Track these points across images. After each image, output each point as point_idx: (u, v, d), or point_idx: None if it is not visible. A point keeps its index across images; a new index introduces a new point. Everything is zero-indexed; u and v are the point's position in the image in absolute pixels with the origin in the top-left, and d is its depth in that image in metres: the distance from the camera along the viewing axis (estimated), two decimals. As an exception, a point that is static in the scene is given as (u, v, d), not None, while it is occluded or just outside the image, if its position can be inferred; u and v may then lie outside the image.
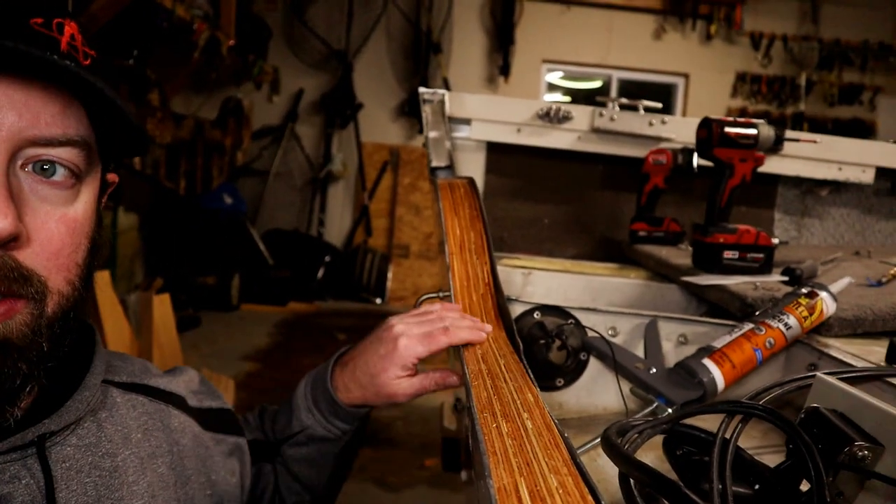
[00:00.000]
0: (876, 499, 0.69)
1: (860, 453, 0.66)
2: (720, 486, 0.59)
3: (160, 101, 3.94)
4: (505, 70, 6.52)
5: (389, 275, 6.57)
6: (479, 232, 1.04)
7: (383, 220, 6.66)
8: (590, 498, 0.44)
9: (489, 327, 0.86)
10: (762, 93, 6.93)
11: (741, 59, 6.87)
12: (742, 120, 1.33)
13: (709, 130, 1.33)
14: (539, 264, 1.61)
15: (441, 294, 1.38)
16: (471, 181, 1.19)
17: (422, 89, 1.81)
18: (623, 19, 6.72)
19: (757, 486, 0.66)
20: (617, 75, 6.89)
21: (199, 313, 5.36)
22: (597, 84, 7.08)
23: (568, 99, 7.14)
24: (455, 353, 0.85)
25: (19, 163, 0.56)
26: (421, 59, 6.43)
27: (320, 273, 6.09)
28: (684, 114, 6.84)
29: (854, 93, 6.95)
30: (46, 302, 0.57)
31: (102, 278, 2.62)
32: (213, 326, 5.31)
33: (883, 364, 0.91)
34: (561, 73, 7.02)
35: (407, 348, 0.84)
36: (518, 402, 0.61)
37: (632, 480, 0.61)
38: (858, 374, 0.86)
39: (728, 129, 1.32)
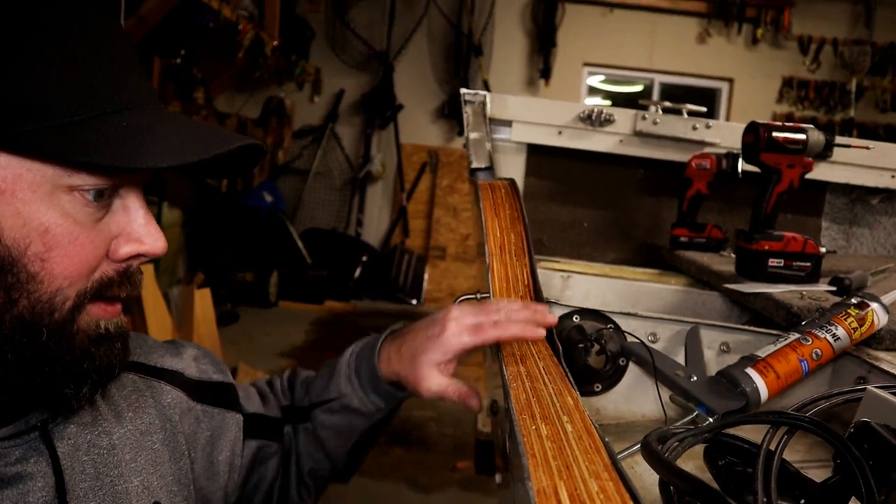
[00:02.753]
0: (928, 518, 0.66)
1: (913, 470, 0.64)
2: (765, 499, 0.57)
3: (205, 99, 4.02)
4: (545, 73, 6.49)
5: (426, 276, 6.59)
6: (520, 234, 1.03)
7: (421, 222, 6.68)
8: (630, 502, 0.43)
9: (553, 319, 0.83)
10: (809, 98, 6.77)
11: (788, 64, 6.72)
12: (791, 125, 1.30)
13: (756, 135, 1.30)
14: (578, 268, 1.59)
15: (479, 295, 1.38)
16: (512, 182, 1.19)
17: (463, 90, 1.80)
18: (666, 22, 6.63)
19: (802, 501, 0.64)
20: (659, 79, 6.80)
21: (238, 309, 5.45)
22: (638, 88, 7.00)
23: (608, 103, 7.08)
24: (493, 353, 0.84)
25: None
26: (461, 61, 6.44)
27: (357, 272, 6.13)
28: (728, 119, 6.73)
29: (906, 98, 6.75)
30: None
31: (146, 272, 2.69)
32: (251, 322, 5.39)
33: (936, 379, 0.88)
34: (602, 77, 6.96)
35: (454, 335, 0.82)
36: (558, 405, 0.60)
37: (672, 488, 0.60)
38: (911, 388, 0.83)
39: (776, 134, 1.29)
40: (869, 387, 0.77)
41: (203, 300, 2.88)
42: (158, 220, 0.74)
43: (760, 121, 1.31)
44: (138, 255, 0.64)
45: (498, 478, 1.20)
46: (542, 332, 0.81)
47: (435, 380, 0.84)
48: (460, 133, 6.76)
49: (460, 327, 0.83)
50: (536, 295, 0.96)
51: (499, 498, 1.19)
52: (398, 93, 6.50)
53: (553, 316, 0.83)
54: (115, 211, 0.63)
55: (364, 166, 6.58)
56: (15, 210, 0.56)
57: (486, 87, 6.27)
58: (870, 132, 6.68)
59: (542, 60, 6.50)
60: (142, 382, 0.79)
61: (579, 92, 6.74)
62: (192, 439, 0.82)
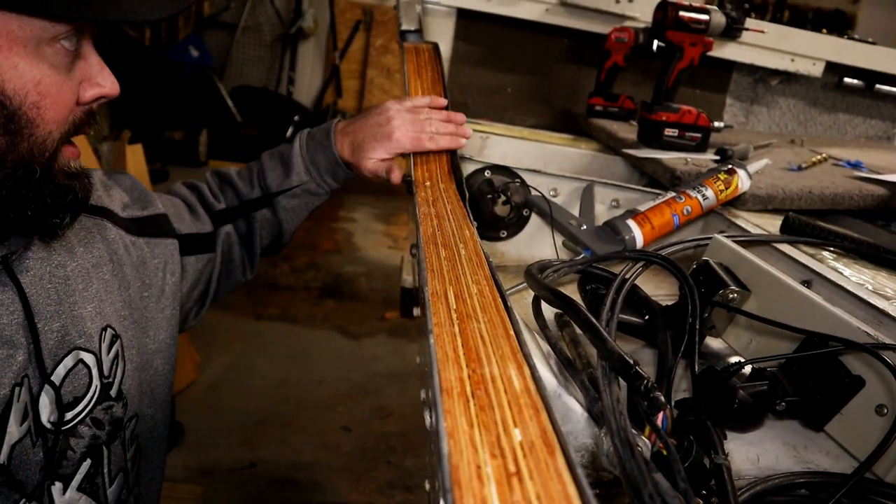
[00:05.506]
0: (740, 331, 0.85)
1: (731, 295, 0.82)
2: (610, 313, 0.73)
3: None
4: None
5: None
6: (440, 95, 1.13)
7: (354, 82, 6.58)
8: (499, 299, 0.57)
9: (469, 132, 1.06)
10: (747, -26, 6.80)
11: (730, -63, 6.67)
12: (697, 6, 1.40)
13: (664, 13, 1.40)
14: (498, 130, 1.70)
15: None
16: (435, 46, 1.26)
17: (396, -52, 1.81)
18: None
19: (647, 318, 0.82)
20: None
21: (167, 168, 5.37)
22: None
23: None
24: (413, 166, 0.99)
25: None
26: (400, -89, 6.11)
27: (289, 132, 6.07)
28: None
29: (839, -18, 6.86)
30: None
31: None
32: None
33: (776, 233, 1.06)
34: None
35: (398, 141, 1.04)
36: (457, 236, 0.74)
37: (542, 301, 0.76)
38: (751, 238, 1.01)
39: (682, 13, 1.39)
40: (715, 234, 0.94)
41: (135, 156, 2.87)
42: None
43: (671, 0, 1.41)
44: (100, 98, 0.73)
45: (415, 311, 1.36)
46: (464, 143, 1.05)
47: (376, 165, 1.06)
48: (397, -9, 6.51)
49: (403, 137, 1.04)
50: (451, 152, 1.07)
51: (416, 330, 1.36)
52: (333, -57, 6.18)
53: (469, 130, 1.06)
54: (77, 59, 0.70)
55: (295, 22, 6.33)
56: (13, 64, 0.64)
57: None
58: (800, 14, 6.81)
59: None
60: (88, 220, 0.87)
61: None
62: (139, 269, 0.92)
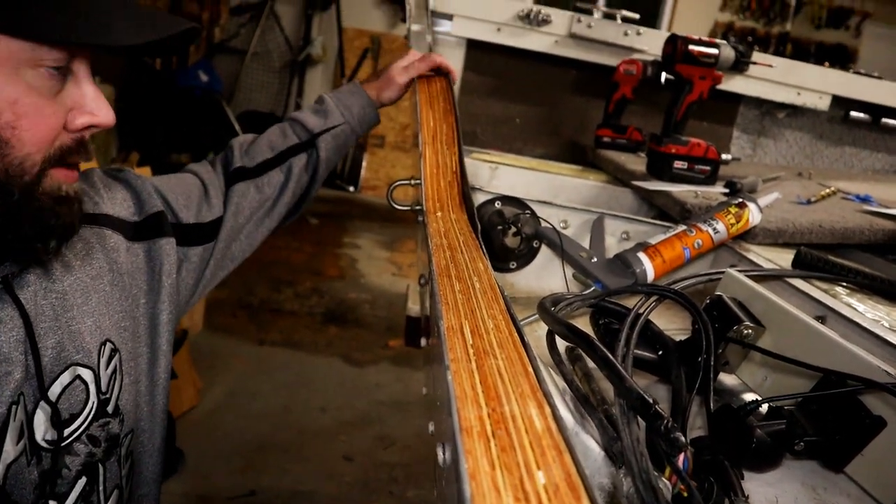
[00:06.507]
0: (754, 367, 0.84)
1: (746, 331, 0.81)
2: (625, 348, 0.73)
3: (137, -34, 3.80)
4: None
5: (364, 164, 6.60)
6: (451, 125, 1.13)
7: (360, 109, 6.62)
8: (515, 334, 0.56)
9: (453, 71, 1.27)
10: (751, 9, 6.86)
11: (735, -29, 6.76)
12: (706, 39, 1.42)
13: (674, 46, 1.41)
14: (507, 160, 1.71)
15: (413, 181, 1.49)
16: (447, 76, 1.27)
17: (407, -20, 1.83)
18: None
19: (660, 353, 0.81)
20: (607, -22, 6.75)
21: (172, 189, 5.38)
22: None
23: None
24: (422, 235, 0.97)
25: None
26: (409, -58, 6.20)
27: (294, 158, 6.10)
28: (671, 23, 6.78)
29: (842, 17, 6.92)
30: None
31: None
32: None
33: (788, 268, 1.05)
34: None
35: (398, 74, 1.23)
36: (471, 269, 0.73)
37: (556, 336, 0.75)
38: (764, 273, 1.01)
39: (692, 47, 1.40)
40: (729, 269, 0.94)
41: (141, 178, 2.88)
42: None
43: (680, 33, 1.42)
44: (90, 126, 0.72)
45: (423, 342, 1.36)
46: (453, 70, 1.26)
47: (398, 92, 1.26)
48: (404, 20, 6.57)
49: (399, 73, 1.22)
50: (462, 182, 1.07)
51: (424, 360, 1.35)
52: (342, -28, 6.26)
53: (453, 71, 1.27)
54: (68, 85, 0.70)
55: (304, 49, 6.40)
56: None
57: (433, -27, 6.10)
58: (803, 48, 6.87)
59: (491, -52, 6.33)
60: (86, 230, 0.86)
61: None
62: (136, 276, 0.91)
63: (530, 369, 0.51)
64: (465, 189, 1.05)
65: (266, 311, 3.74)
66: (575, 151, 1.99)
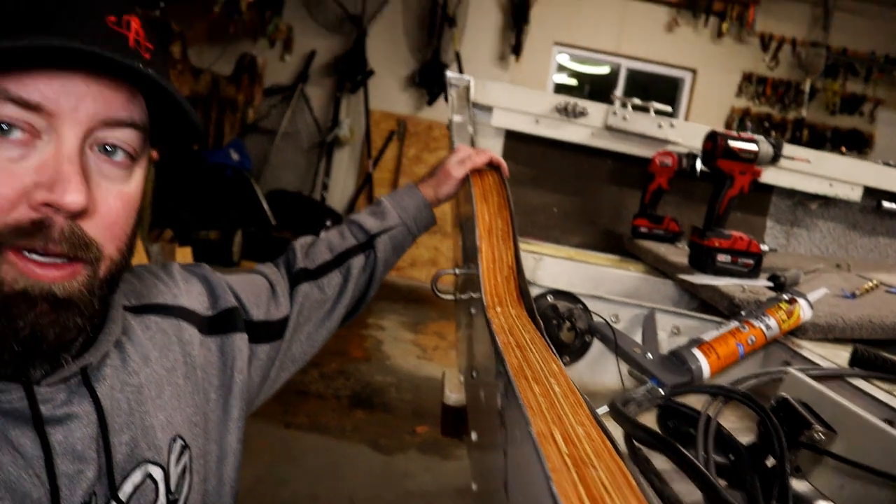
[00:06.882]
0: (829, 473, 0.83)
1: (817, 436, 0.81)
2: (704, 455, 0.73)
3: (181, 53, 4.01)
4: (517, 49, 6.58)
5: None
6: (506, 219, 1.17)
7: (386, 189, 6.75)
8: (609, 444, 0.57)
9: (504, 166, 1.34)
10: (767, 95, 7.04)
11: (749, 60, 6.96)
12: (745, 136, 1.46)
13: (714, 143, 1.46)
14: (548, 251, 1.74)
15: (457, 271, 1.52)
16: (499, 171, 1.32)
17: (449, 73, 1.92)
18: (637, 9, 6.78)
19: (732, 458, 0.81)
20: (626, 64, 6.97)
21: (200, 266, 5.46)
22: (605, 70, 7.15)
23: (575, 82, 7.22)
24: (484, 326, 0.98)
25: (89, 143, 0.65)
26: (435, 30, 6.48)
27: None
28: (689, 109, 6.94)
29: (856, 103, 7.07)
30: (100, 266, 0.67)
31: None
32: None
33: (846, 366, 1.06)
34: (570, 56, 7.09)
35: (454, 168, 1.27)
36: (545, 370, 0.74)
37: (634, 440, 0.76)
38: (824, 372, 1.01)
39: (732, 143, 1.45)
40: (790, 368, 0.94)
41: (184, 259, 2.94)
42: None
43: (720, 130, 1.47)
44: (48, 205, 0.61)
45: (474, 436, 1.35)
46: (504, 164, 1.32)
47: (454, 188, 1.28)
48: (430, 103, 6.85)
49: (455, 167, 1.26)
50: (519, 276, 1.10)
51: (472, 454, 1.34)
52: (370, 58, 6.51)
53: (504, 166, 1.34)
54: (44, 152, 0.62)
55: (332, 130, 6.60)
56: None
57: (458, 59, 6.34)
58: (819, 133, 6.99)
59: (514, 36, 6.58)
60: (164, 322, 0.86)
61: (548, 69, 6.85)
62: (209, 370, 0.91)
63: (633, 482, 0.51)
64: (522, 284, 1.08)
65: (292, 393, 3.72)
66: (611, 240, 2.03)
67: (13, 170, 0.60)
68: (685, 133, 1.99)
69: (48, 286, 0.62)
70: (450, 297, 1.61)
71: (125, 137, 0.67)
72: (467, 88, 1.88)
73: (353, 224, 1.21)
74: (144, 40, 0.67)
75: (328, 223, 6.15)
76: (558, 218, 2.06)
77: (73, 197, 0.60)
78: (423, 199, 1.25)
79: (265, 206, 5.97)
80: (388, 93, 6.67)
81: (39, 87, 0.61)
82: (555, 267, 1.62)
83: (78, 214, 0.62)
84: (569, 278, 1.61)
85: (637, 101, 2.00)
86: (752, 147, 1.45)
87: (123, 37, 0.65)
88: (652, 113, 1.98)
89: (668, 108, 2.00)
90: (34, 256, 0.61)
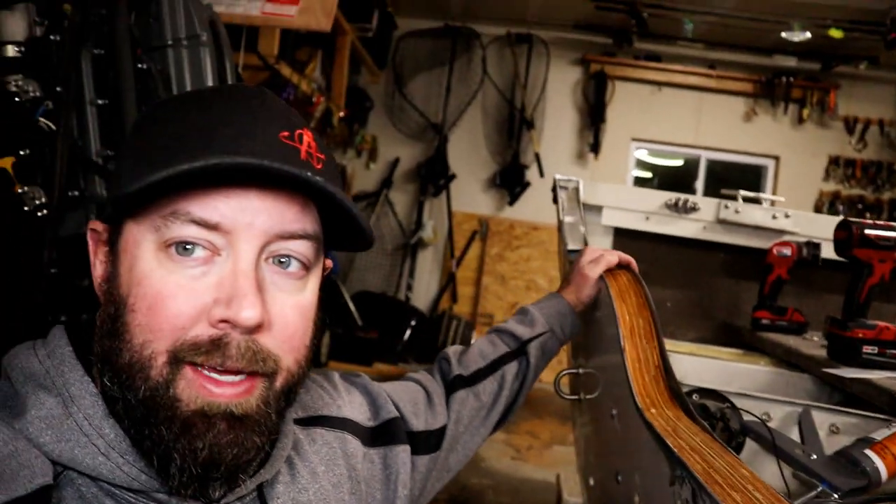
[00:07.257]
0: None
1: None
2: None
3: (280, 168, 4.24)
4: (595, 147, 6.68)
5: (473, 341, 6.67)
6: (647, 319, 1.15)
7: (469, 288, 6.81)
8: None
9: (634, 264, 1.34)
10: (856, 177, 6.84)
11: (834, 143, 6.82)
12: (882, 223, 1.42)
13: (849, 232, 1.42)
14: (670, 347, 1.70)
15: (581, 371, 1.50)
16: (630, 269, 1.31)
17: (558, 176, 1.96)
18: (713, 101, 6.82)
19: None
20: (706, 155, 6.95)
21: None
22: (679, 162, 7.15)
23: (649, 174, 7.23)
24: (646, 428, 0.96)
25: (264, 256, 0.65)
26: (514, 133, 6.67)
27: (406, 336, 6.25)
28: (774, 195, 6.79)
29: (953, 179, 6.78)
30: (276, 378, 0.66)
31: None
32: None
33: None
34: (647, 151, 7.14)
35: (588, 270, 1.29)
36: (736, 475, 0.71)
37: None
38: None
39: (868, 231, 1.41)
40: None
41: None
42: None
43: (852, 219, 1.43)
44: (226, 321, 0.61)
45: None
46: (634, 262, 1.33)
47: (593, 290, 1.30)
48: (511, 203, 6.98)
49: (590, 268, 1.29)
50: (667, 375, 1.07)
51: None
52: (451, 162, 6.74)
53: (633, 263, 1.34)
54: (222, 269, 0.63)
55: (416, 232, 6.77)
56: (128, 265, 0.64)
57: (538, 160, 6.47)
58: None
59: (591, 135, 6.70)
60: (329, 434, 0.86)
61: (627, 165, 6.90)
62: (372, 483, 0.89)
63: None
64: (672, 384, 1.05)
65: None
66: (729, 334, 1.97)
67: (195, 287, 0.61)
68: (801, 222, 1.95)
69: (225, 404, 0.62)
70: (575, 398, 1.58)
71: (299, 248, 0.67)
72: (577, 189, 1.91)
73: (503, 332, 1.22)
74: (316, 151, 0.69)
75: (413, 322, 6.20)
76: (672, 313, 2.02)
77: (248, 313, 0.61)
78: (567, 306, 1.27)
79: (352, 307, 6.09)
80: (470, 194, 6.84)
81: (219, 207, 0.62)
82: (683, 363, 1.58)
83: (254, 329, 0.62)
84: (698, 374, 1.55)
85: (747, 192, 1.99)
86: (891, 234, 1.40)
87: (296, 150, 0.66)
88: (765, 204, 1.96)
89: (782, 199, 1.97)
90: (213, 375, 0.62)
